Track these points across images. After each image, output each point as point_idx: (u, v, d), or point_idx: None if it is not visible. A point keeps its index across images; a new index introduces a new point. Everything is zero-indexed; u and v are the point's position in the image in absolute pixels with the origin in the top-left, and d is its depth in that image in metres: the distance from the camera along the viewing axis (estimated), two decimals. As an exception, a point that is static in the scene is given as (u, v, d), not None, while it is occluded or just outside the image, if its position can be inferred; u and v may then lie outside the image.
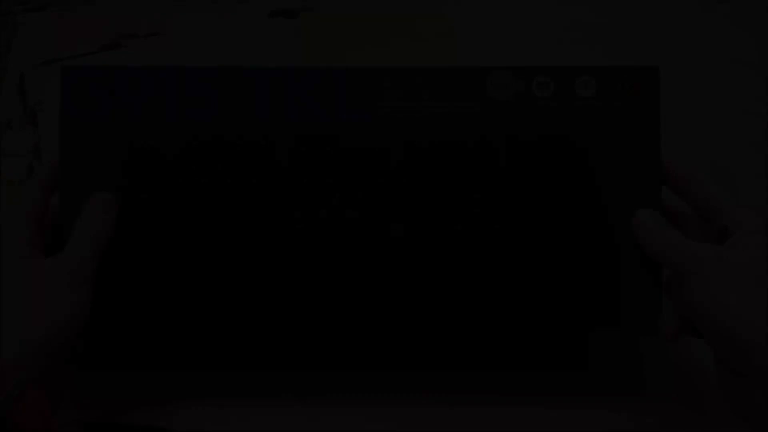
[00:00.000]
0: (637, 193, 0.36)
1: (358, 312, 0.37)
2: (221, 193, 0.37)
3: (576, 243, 0.37)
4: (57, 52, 0.52)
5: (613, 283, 0.37)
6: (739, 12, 0.54)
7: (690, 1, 0.55)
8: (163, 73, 0.37)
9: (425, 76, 0.37)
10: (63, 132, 0.37)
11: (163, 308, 0.37)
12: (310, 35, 0.53)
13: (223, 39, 0.53)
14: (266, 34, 0.53)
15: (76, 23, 0.54)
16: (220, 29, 0.54)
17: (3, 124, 0.48)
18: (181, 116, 0.37)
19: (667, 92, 0.37)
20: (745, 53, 0.51)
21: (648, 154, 0.36)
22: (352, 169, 0.37)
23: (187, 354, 0.40)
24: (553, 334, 0.41)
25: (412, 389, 0.39)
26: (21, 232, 0.34)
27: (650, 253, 0.34)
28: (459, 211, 0.37)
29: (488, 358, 0.40)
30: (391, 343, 0.41)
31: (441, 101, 0.37)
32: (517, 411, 0.38)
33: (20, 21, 0.54)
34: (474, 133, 0.37)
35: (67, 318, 0.32)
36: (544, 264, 0.37)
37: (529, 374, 0.40)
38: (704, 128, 0.46)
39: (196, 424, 0.38)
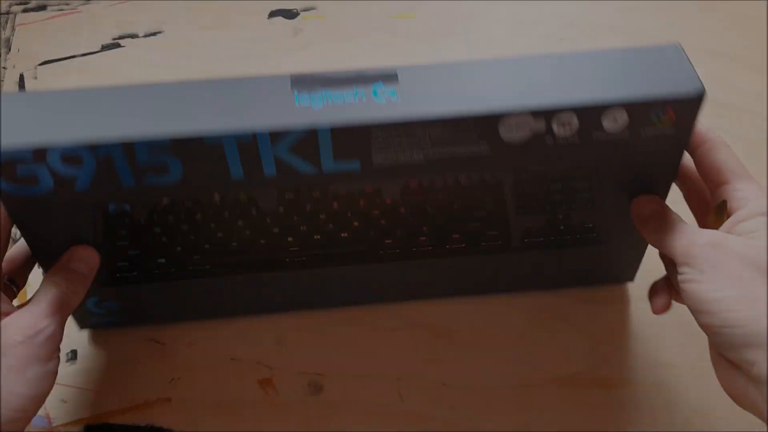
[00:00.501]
0: (648, 190, 0.34)
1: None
2: (204, 244, 0.36)
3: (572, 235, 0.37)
4: (57, 52, 0.52)
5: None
6: (739, 11, 0.54)
7: (689, 1, 0.55)
8: (103, 150, 0.29)
9: (424, 128, 0.30)
10: (12, 212, 0.32)
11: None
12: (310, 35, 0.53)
13: (223, 39, 0.53)
14: (266, 34, 0.53)
15: (76, 23, 0.54)
16: (220, 29, 0.54)
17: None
18: (139, 183, 0.31)
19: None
20: (745, 52, 0.51)
21: (668, 165, 0.34)
22: (343, 206, 0.36)
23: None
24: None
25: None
26: None
27: (648, 240, 0.33)
28: (460, 227, 0.37)
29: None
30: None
31: (444, 147, 0.31)
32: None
33: (20, 21, 0.55)
34: (483, 174, 0.35)
35: (36, 393, 0.30)
36: (545, 254, 0.38)
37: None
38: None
39: (196, 423, 0.38)
